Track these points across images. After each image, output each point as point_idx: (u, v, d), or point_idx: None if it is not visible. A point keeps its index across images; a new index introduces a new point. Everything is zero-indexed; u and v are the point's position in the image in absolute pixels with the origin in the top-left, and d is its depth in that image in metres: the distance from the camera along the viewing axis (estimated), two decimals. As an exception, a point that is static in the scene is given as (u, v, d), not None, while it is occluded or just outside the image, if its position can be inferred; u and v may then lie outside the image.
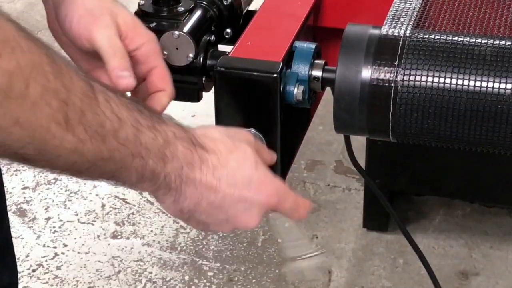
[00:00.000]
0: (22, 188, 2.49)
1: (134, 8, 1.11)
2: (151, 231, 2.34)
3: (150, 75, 0.94)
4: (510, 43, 0.95)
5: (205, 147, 0.83)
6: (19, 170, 2.56)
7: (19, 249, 2.24)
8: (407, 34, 0.98)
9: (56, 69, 0.69)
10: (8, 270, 1.21)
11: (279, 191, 0.87)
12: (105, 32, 0.90)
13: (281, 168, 1.04)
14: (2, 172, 1.16)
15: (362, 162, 1.80)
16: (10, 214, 2.38)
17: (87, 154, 0.72)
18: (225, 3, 1.12)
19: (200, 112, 2.76)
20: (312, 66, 1.01)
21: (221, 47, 1.12)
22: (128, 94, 0.91)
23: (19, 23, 0.68)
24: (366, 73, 0.96)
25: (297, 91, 1.00)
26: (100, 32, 0.90)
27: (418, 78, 0.95)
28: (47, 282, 2.18)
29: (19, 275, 1.55)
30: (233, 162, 0.84)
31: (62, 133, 0.70)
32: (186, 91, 1.09)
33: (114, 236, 2.32)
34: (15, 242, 1.37)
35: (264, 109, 0.99)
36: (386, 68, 0.96)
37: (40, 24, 3.15)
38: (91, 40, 0.90)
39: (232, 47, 1.04)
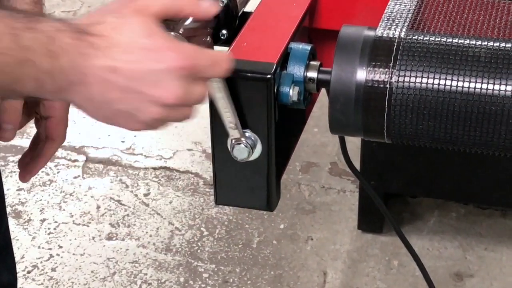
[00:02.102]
0: (17, 190, 2.49)
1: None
2: (146, 232, 2.34)
3: (48, 121, 1.06)
4: (504, 45, 0.95)
5: (92, 32, 0.79)
6: (14, 172, 2.56)
7: (14, 251, 2.23)
8: (402, 36, 0.98)
9: None
10: (8, 270, 1.22)
11: (186, 51, 0.82)
12: None
13: (276, 170, 1.04)
14: (-3, 173, 1.17)
15: (357, 164, 1.81)
16: (5, 215, 2.38)
17: None
18: (221, 5, 1.12)
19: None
20: (307, 68, 1.02)
21: (217, 48, 1.12)
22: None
23: None
24: (361, 74, 0.96)
25: (292, 92, 1.00)
26: None
27: (412, 79, 0.95)
28: (42, 284, 2.18)
29: (14, 276, 1.55)
30: (122, 36, 0.79)
31: None
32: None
33: (109, 237, 2.32)
34: (10, 243, 1.38)
35: (259, 110, 0.99)
36: (381, 69, 0.96)
37: None
38: None
39: (227, 48, 1.05)
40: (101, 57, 0.78)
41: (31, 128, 1.09)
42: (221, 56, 0.87)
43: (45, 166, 2.56)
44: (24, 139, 2.65)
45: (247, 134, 1.00)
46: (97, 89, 0.79)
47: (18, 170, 1.10)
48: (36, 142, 1.09)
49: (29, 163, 1.09)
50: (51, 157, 1.09)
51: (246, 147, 0.99)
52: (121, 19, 0.80)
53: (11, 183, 2.52)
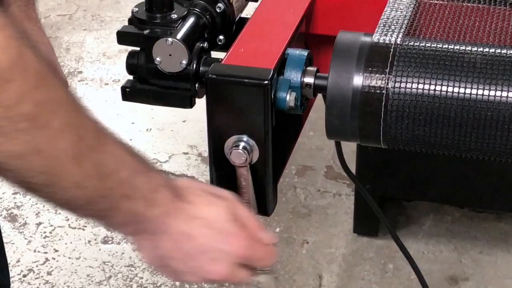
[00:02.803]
0: (13, 193, 2.49)
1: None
2: (142, 236, 2.34)
3: None
4: (499, 51, 0.96)
5: (186, 199, 0.87)
6: (10, 175, 2.56)
7: (10, 254, 2.23)
8: (398, 42, 0.99)
9: (76, 106, 0.74)
10: (0, 272, 1.22)
11: (250, 242, 0.90)
12: None
13: (273, 175, 1.04)
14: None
15: (352, 168, 1.82)
16: (0, 219, 2.38)
17: (89, 190, 0.77)
18: (218, 10, 1.13)
19: (191, 118, 2.77)
20: (304, 73, 1.02)
21: (215, 54, 1.12)
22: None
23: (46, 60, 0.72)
24: (358, 80, 0.97)
25: (289, 97, 1.01)
26: None
27: (409, 85, 0.96)
28: (38, 287, 2.18)
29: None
30: (208, 213, 0.88)
31: (74, 166, 0.74)
32: (179, 97, 1.10)
33: (105, 241, 2.32)
34: (6, 247, 1.37)
35: (256, 116, 1.00)
36: (377, 75, 0.97)
37: None
38: None
39: (225, 54, 1.05)
40: (184, 222, 0.86)
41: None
42: (272, 251, 0.94)
43: (41, 170, 2.56)
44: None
45: (244, 139, 1.01)
46: (167, 245, 0.86)
47: None
48: None
49: None
50: None
51: (243, 151, 0.99)
52: (214, 198, 0.90)
53: (7, 187, 2.51)
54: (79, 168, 0.74)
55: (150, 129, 2.77)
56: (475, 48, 0.97)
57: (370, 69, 0.97)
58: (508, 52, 0.96)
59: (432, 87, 0.95)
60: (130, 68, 1.09)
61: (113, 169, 0.78)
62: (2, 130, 0.67)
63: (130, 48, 1.11)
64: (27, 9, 1.11)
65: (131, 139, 2.73)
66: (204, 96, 1.04)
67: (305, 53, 1.03)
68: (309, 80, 1.02)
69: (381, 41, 0.99)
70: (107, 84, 3.00)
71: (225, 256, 0.88)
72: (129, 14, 1.11)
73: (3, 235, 1.29)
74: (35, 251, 2.29)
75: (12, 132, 0.68)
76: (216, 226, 0.88)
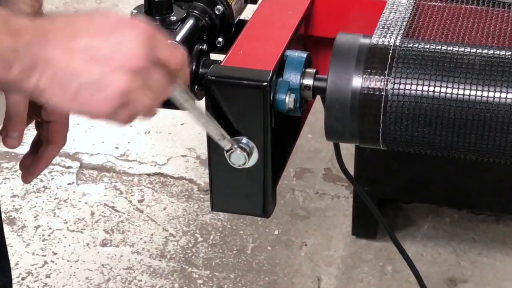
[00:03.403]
0: (11, 196, 2.49)
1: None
2: (141, 239, 2.34)
3: (49, 126, 1.08)
4: (498, 53, 0.96)
5: (50, 17, 0.81)
6: (8, 178, 2.56)
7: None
8: (397, 44, 0.99)
9: None
10: (2, 274, 1.22)
11: (147, 24, 0.81)
12: (16, 93, 1.01)
13: (272, 177, 1.05)
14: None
15: (350, 170, 1.82)
16: (-1, 222, 2.38)
17: None
18: (217, 13, 1.13)
19: (189, 121, 2.76)
20: (303, 75, 1.03)
21: (214, 56, 1.13)
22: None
23: None
24: (357, 81, 0.97)
25: (288, 99, 1.01)
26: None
27: (408, 86, 0.96)
28: (36, 290, 2.18)
29: (9, 283, 1.55)
30: (81, 16, 0.81)
31: None
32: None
33: (104, 244, 2.32)
34: (5, 250, 1.38)
35: (255, 117, 1.00)
36: (376, 77, 0.97)
37: None
38: (5, 94, 1.02)
39: (224, 56, 1.05)
40: (62, 28, 0.79)
41: (25, 135, 1.10)
42: (179, 51, 0.85)
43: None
44: (18, 145, 2.65)
45: (243, 141, 1.01)
46: (61, 62, 0.78)
47: (20, 171, 1.11)
48: (37, 144, 1.11)
49: (31, 165, 1.10)
50: (52, 160, 1.11)
51: (242, 153, 0.99)
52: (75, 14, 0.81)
53: (5, 190, 2.51)
54: None
55: (149, 132, 2.77)
56: (473, 50, 0.97)
57: (369, 70, 0.97)
58: (507, 53, 0.97)
59: (431, 88, 0.95)
60: (129, 70, 1.09)
61: None
62: None
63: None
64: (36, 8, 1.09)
65: (129, 142, 2.73)
66: (203, 98, 1.04)
67: (304, 55, 1.04)
68: (308, 82, 1.03)
69: (380, 42, 0.99)
70: (105, 87, 3.00)
71: (128, 37, 0.79)
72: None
73: (4, 238, 1.29)
74: (33, 254, 2.29)
75: None
76: (98, 18, 0.80)
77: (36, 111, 1.09)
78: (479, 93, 0.94)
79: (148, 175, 2.58)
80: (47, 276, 2.22)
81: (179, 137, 2.74)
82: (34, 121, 1.10)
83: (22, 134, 1.06)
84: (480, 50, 0.97)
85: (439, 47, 0.98)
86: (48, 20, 0.81)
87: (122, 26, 0.80)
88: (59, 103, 0.81)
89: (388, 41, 0.99)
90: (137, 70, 0.80)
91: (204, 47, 1.08)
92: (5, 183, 2.54)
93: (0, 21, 0.77)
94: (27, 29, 0.78)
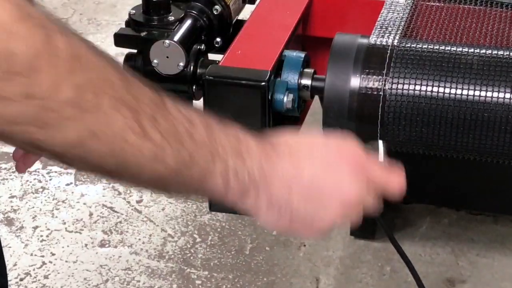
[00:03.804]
0: (10, 197, 2.49)
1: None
2: (139, 239, 2.34)
3: None
4: (496, 52, 0.97)
5: (272, 141, 0.82)
6: (6, 179, 2.56)
7: (7, 258, 2.22)
8: (395, 44, 0.99)
9: (124, 80, 0.70)
10: None
11: (359, 153, 0.86)
12: None
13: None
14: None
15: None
16: (-3, 223, 2.38)
17: (169, 160, 0.72)
18: (215, 13, 1.13)
19: (187, 121, 2.77)
20: (301, 75, 1.03)
21: (212, 56, 1.13)
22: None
23: (89, 41, 0.70)
24: (355, 81, 0.97)
25: (286, 99, 1.01)
26: None
27: (406, 86, 0.96)
28: (34, 291, 2.17)
29: (8, 283, 1.55)
30: (303, 147, 0.83)
31: (139, 140, 0.69)
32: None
33: (102, 244, 2.32)
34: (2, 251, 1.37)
35: (253, 117, 1.00)
36: (374, 76, 0.97)
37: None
38: None
39: (222, 56, 1.05)
40: (283, 158, 0.81)
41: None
42: (396, 175, 0.91)
43: (37, 173, 2.56)
44: (16, 146, 2.65)
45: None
46: (279, 191, 0.80)
47: (14, 162, 1.10)
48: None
49: (24, 155, 1.09)
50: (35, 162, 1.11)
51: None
52: (298, 139, 0.84)
53: (4, 191, 2.51)
54: (146, 140, 0.70)
55: (147, 132, 2.77)
56: (471, 50, 0.97)
57: (367, 70, 0.97)
58: (505, 53, 0.97)
59: (429, 88, 0.96)
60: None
61: (184, 132, 0.73)
62: (47, 122, 0.65)
63: (126, 52, 1.11)
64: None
65: (127, 143, 2.72)
66: (201, 98, 1.04)
67: (302, 55, 1.04)
68: (306, 82, 1.03)
69: (378, 43, 0.99)
70: (104, 87, 3.00)
71: (346, 176, 0.83)
72: (126, 18, 1.12)
73: (0, 238, 1.29)
74: (31, 254, 2.28)
75: (60, 122, 0.65)
76: (318, 154, 0.83)
77: None
78: (477, 92, 0.94)
79: (147, 175, 2.58)
80: (46, 277, 2.22)
81: (178, 137, 2.74)
82: None
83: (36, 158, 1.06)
84: (478, 50, 0.97)
85: (437, 47, 0.98)
86: (273, 144, 0.82)
87: (340, 160, 0.84)
88: (271, 223, 0.83)
89: (386, 41, 0.99)
90: (349, 206, 0.84)
91: (202, 47, 1.08)
92: (3, 184, 2.53)
93: (231, 142, 0.77)
94: (255, 153, 0.79)
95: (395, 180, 0.90)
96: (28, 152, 0.70)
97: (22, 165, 1.10)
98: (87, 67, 0.67)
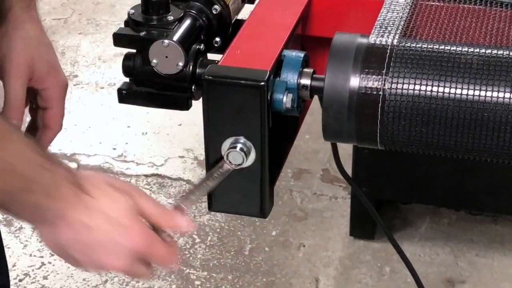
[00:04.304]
0: (9, 198, 2.48)
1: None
2: (138, 240, 2.34)
3: (46, 112, 1.13)
4: (496, 52, 0.96)
5: (88, 191, 0.92)
6: (5, 180, 2.55)
7: (6, 259, 2.23)
8: (395, 43, 0.99)
9: None
10: (0, 275, 1.22)
11: (148, 241, 0.94)
12: (15, 82, 1.08)
13: (270, 177, 1.04)
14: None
15: (348, 171, 1.82)
16: (-4, 223, 2.37)
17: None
18: (214, 12, 1.13)
19: (186, 121, 2.77)
20: (300, 75, 1.02)
21: (211, 56, 1.12)
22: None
23: None
24: (354, 81, 0.97)
25: (286, 99, 1.01)
26: (12, 81, 1.08)
27: (405, 86, 0.96)
28: (33, 292, 2.17)
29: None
30: (108, 207, 0.92)
31: None
32: (176, 99, 1.09)
33: (101, 245, 2.32)
34: (2, 251, 1.37)
35: (252, 117, 1.00)
36: (374, 76, 0.97)
37: None
38: (4, 82, 1.08)
39: (221, 55, 1.05)
40: (85, 214, 0.90)
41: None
42: (172, 252, 0.98)
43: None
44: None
45: (241, 141, 1.00)
46: (66, 235, 0.90)
47: None
48: (31, 129, 1.14)
49: None
50: (49, 145, 1.14)
51: (240, 153, 0.99)
52: (116, 194, 0.93)
53: (3, 191, 2.51)
54: None
55: (146, 132, 2.77)
56: (471, 49, 0.97)
57: (366, 70, 0.97)
58: (504, 53, 0.96)
59: (429, 88, 0.95)
60: (126, 70, 1.09)
61: (13, 166, 0.85)
62: None
63: (125, 52, 1.11)
64: (29, 10, 1.11)
65: (126, 143, 2.72)
66: (201, 98, 1.03)
67: (301, 54, 1.03)
68: (306, 81, 1.02)
69: (377, 42, 0.99)
70: (103, 88, 3.00)
71: (122, 250, 0.92)
72: (125, 18, 1.11)
73: (1, 238, 1.29)
74: (31, 255, 2.28)
75: None
76: (115, 220, 0.92)
77: (31, 97, 1.11)
78: (476, 92, 0.94)
79: (146, 176, 2.58)
80: (45, 278, 2.22)
81: (177, 138, 2.74)
82: (28, 107, 1.12)
83: (21, 121, 1.09)
84: (477, 50, 0.97)
85: (437, 47, 0.98)
86: (84, 198, 0.92)
87: (129, 232, 0.93)
88: (48, 245, 0.94)
89: (386, 41, 0.99)
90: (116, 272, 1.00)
91: (201, 47, 1.08)
92: (3, 184, 2.53)
93: (50, 180, 0.88)
94: (64, 197, 0.89)
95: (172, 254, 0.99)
96: None
97: None
98: None
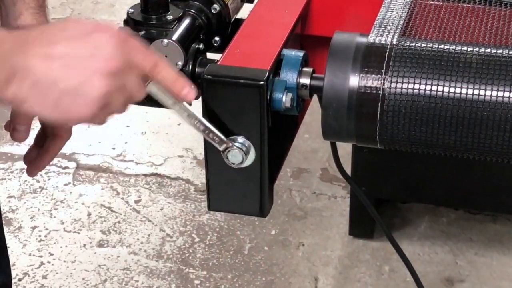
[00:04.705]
0: (8, 197, 2.48)
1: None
2: (137, 239, 2.34)
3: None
4: (495, 51, 0.96)
5: (28, 29, 0.84)
6: (5, 179, 2.56)
7: (5, 258, 2.23)
8: (394, 42, 0.99)
9: None
10: (2, 273, 1.22)
11: (120, 29, 0.84)
12: None
13: (269, 176, 1.04)
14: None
15: (347, 170, 1.82)
16: (-5, 223, 2.37)
17: None
18: (213, 12, 1.13)
19: (186, 121, 2.76)
20: (300, 74, 1.02)
21: (210, 55, 1.12)
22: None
23: None
24: (354, 80, 0.97)
25: (285, 98, 1.01)
26: None
27: (405, 85, 0.96)
28: (33, 291, 2.17)
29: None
30: (56, 25, 0.83)
31: None
32: (175, 98, 1.09)
33: (100, 244, 2.32)
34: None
35: (252, 116, 1.00)
36: (373, 75, 0.97)
37: None
38: None
39: (220, 55, 1.05)
40: (38, 37, 0.81)
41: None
42: (151, 53, 0.86)
43: (36, 173, 2.55)
44: (14, 146, 2.65)
45: (240, 140, 1.00)
46: (40, 70, 0.79)
47: (25, 165, 1.10)
48: (41, 137, 1.11)
49: (36, 158, 1.09)
50: (58, 153, 1.11)
51: (240, 152, 0.99)
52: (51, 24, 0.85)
53: (2, 191, 2.51)
54: None
55: (145, 132, 2.77)
56: (470, 48, 0.97)
57: (366, 69, 0.97)
58: (504, 52, 0.96)
59: (428, 87, 0.95)
60: (125, 69, 1.09)
61: None
62: None
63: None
64: (39, 16, 1.11)
65: (126, 142, 2.72)
66: (200, 98, 1.03)
67: (301, 54, 1.03)
68: (305, 81, 1.02)
69: (377, 41, 0.99)
70: (102, 87, 3.00)
71: (103, 43, 0.81)
72: (124, 17, 1.11)
73: (4, 237, 1.29)
74: (30, 254, 2.28)
75: None
76: (73, 25, 0.83)
77: None
78: (476, 91, 0.94)
79: (145, 175, 2.58)
80: (44, 277, 2.22)
81: (176, 137, 2.74)
82: None
83: (29, 127, 1.06)
84: (477, 49, 0.97)
85: (436, 46, 0.98)
86: (25, 30, 0.83)
87: (96, 31, 0.82)
88: (40, 111, 0.82)
89: (385, 40, 0.99)
90: (114, 72, 0.82)
91: (201, 46, 1.08)
92: (1, 184, 2.53)
93: None
94: (4, 39, 0.80)
95: (151, 60, 0.86)
96: None
97: (34, 169, 1.10)
98: None
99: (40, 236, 2.35)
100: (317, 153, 2.65)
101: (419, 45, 0.98)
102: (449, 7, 1.08)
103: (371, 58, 0.97)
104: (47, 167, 2.59)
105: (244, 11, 1.19)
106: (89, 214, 2.43)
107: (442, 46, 0.97)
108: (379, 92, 0.96)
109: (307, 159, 2.63)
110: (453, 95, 0.94)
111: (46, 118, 0.87)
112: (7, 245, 2.26)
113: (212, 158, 1.03)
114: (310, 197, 2.48)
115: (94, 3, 3.52)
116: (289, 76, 1.02)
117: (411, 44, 0.98)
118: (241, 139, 1.00)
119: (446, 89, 0.95)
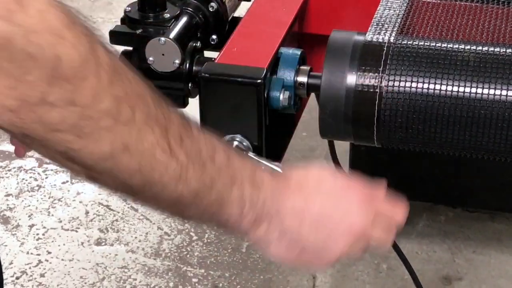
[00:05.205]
0: (5, 195, 2.48)
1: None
2: (135, 237, 2.34)
3: None
4: (492, 49, 0.96)
5: (283, 175, 0.86)
6: (2, 177, 2.55)
7: (3, 257, 2.23)
8: (392, 41, 0.99)
9: (156, 99, 0.71)
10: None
11: (366, 187, 0.90)
12: None
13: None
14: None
15: (345, 168, 1.82)
16: (-7, 221, 2.37)
17: (191, 181, 0.73)
18: (211, 10, 1.13)
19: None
20: (297, 72, 1.02)
21: (208, 54, 1.12)
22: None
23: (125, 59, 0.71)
24: (351, 79, 0.97)
25: (282, 96, 1.01)
26: None
27: (402, 84, 0.96)
28: (31, 290, 2.17)
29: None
30: (311, 181, 0.85)
31: (167, 159, 0.70)
32: (172, 97, 1.09)
33: (98, 243, 2.32)
34: (-1, 249, 1.37)
35: (249, 114, 1.00)
36: (370, 74, 0.97)
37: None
38: None
39: (218, 53, 1.05)
40: (295, 194, 0.83)
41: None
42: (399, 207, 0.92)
43: (33, 172, 2.55)
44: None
45: (237, 138, 1.00)
46: (290, 223, 0.82)
47: (13, 146, 1.10)
48: None
49: None
50: None
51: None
52: (307, 173, 0.86)
53: (-1, 189, 2.51)
54: (173, 159, 0.71)
55: (143, 130, 2.76)
56: (468, 47, 0.97)
57: (363, 68, 0.97)
58: (501, 50, 0.96)
59: (426, 85, 0.95)
60: (122, 68, 1.09)
61: (206, 155, 0.75)
62: (85, 131, 0.65)
63: (122, 50, 1.11)
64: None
65: (124, 141, 2.72)
66: (197, 96, 1.03)
67: (298, 52, 1.03)
68: (303, 79, 1.02)
69: (374, 40, 0.99)
70: (100, 85, 3.00)
71: (351, 206, 0.86)
72: (121, 16, 1.11)
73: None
74: (28, 253, 2.28)
75: (95, 131, 0.66)
76: (326, 186, 0.86)
77: None
78: (473, 90, 0.94)
79: (143, 173, 2.58)
80: (42, 275, 2.21)
81: (174, 135, 2.74)
82: None
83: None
84: (474, 47, 0.97)
85: (434, 44, 0.98)
86: (284, 178, 0.84)
87: (348, 192, 0.88)
88: (281, 255, 0.85)
89: (383, 38, 0.99)
90: (358, 236, 0.86)
91: (198, 44, 1.08)
92: (-1, 182, 2.53)
93: (247, 171, 0.79)
94: (268, 184, 0.81)
95: (400, 213, 0.93)
96: (57, 163, 0.70)
97: (21, 149, 1.09)
98: (124, 80, 0.67)
99: (38, 234, 2.35)
100: (314, 151, 2.65)
101: (417, 43, 0.98)
102: (446, 5, 1.08)
103: (369, 57, 0.97)
104: (45, 165, 2.59)
105: (242, 9, 1.19)
106: (87, 213, 2.43)
107: (439, 44, 0.97)
108: (377, 90, 0.96)
109: (304, 157, 2.63)
110: (450, 93, 0.95)
111: (284, 262, 0.88)
112: (5, 244, 2.27)
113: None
114: (308, 195, 2.48)
115: (91, 1, 3.52)
116: (286, 74, 1.02)
117: (409, 42, 0.98)
118: (238, 137, 1.00)
119: (443, 87, 0.95)
